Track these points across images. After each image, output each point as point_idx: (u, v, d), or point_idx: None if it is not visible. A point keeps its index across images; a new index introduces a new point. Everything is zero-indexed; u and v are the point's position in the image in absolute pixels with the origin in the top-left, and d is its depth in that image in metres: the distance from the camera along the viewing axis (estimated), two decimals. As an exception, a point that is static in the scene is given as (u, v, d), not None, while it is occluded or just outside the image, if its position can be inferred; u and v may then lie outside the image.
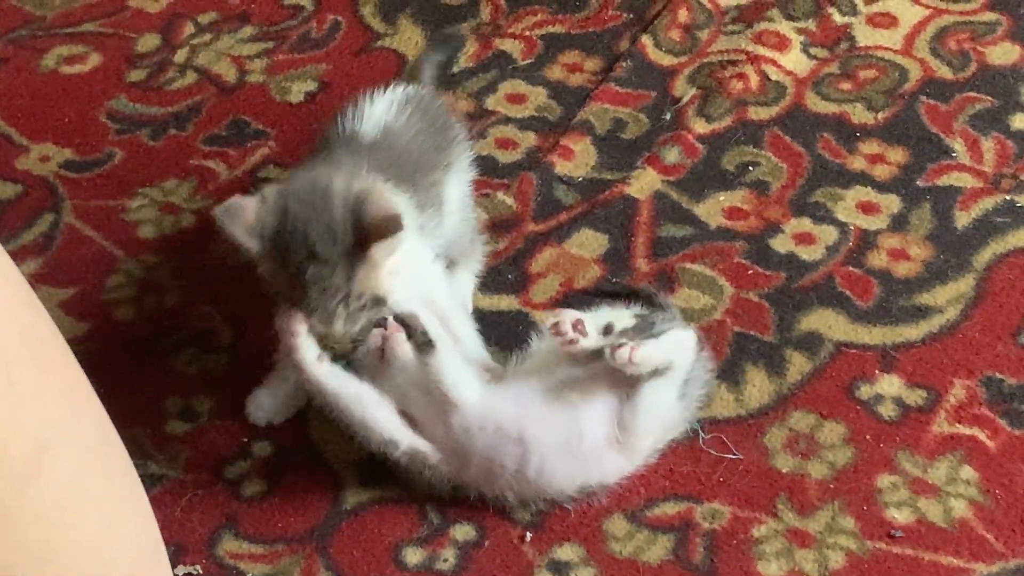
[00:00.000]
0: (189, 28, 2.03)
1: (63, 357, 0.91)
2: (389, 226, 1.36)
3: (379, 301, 1.41)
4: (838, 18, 1.96)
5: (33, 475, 0.84)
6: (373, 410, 1.44)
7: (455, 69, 1.94)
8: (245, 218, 1.38)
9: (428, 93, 1.64)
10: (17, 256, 1.70)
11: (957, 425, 1.51)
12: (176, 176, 1.82)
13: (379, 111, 1.55)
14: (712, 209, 1.74)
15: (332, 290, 1.37)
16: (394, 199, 1.42)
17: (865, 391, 1.55)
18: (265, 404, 1.54)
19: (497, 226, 1.71)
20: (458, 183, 1.61)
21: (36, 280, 1.68)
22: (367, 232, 1.36)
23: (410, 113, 1.56)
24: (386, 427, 1.44)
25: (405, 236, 1.38)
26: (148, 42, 2.01)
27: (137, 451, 1.51)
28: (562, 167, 1.80)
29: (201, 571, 1.44)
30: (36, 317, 0.89)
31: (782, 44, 1.93)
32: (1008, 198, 1.73)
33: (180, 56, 1.98)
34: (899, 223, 1.71)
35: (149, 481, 1.48)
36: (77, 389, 0.92)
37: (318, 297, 1.38)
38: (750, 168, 1.78)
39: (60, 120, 1.91)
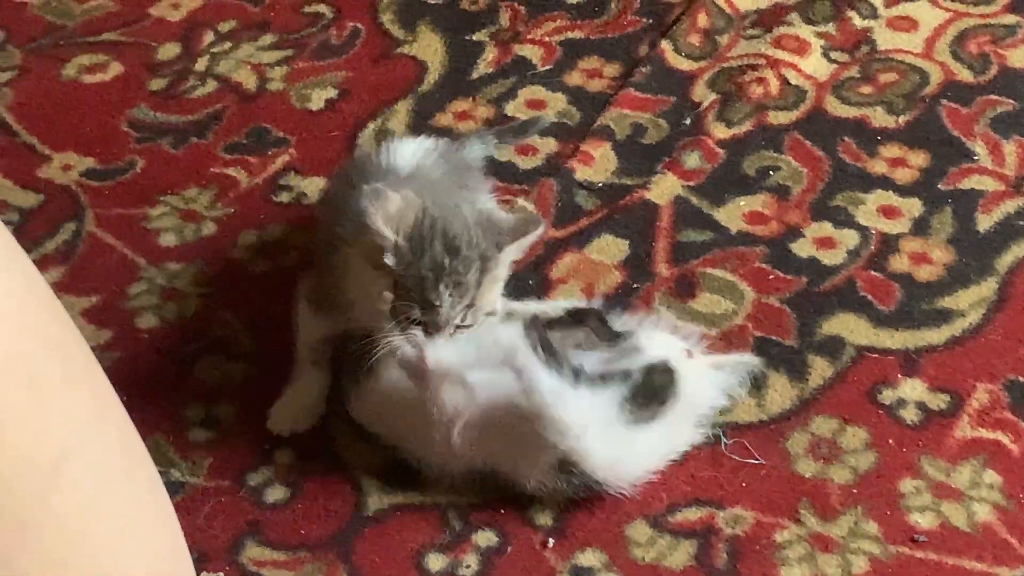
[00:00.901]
0: (209, 36, 2.03)
1: (87, 365, 0.91)
2: (530, 223, 1.45)
3: (479, 317, 1.46)
4: (858, 22, 1.96)
5: (57, 483, 0.84)
6: None
7: (475, 75, 1.94)
8: (395, 206, 1.42)
9: (446, 143, 1.67)
10: (39, 265, 1.70)
11: (980, 429, 1.51)
12: (197, 184, 1.82)
13: (409, 150, 1.61)
14: (732, 214, 1.74)
15: (463, 288, 1.41)
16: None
17: (887, 395, 1.54)
18: (287, 414, 1.55)
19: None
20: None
21: (58, 288, 1.69)
22: (507, 230, 1.44)
23: (436, 157, 1.61)
24: None
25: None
26: (168, 51, 2.02)
27: (159, 458, 1.51)
28: (582, 173, 1.80)
29: (224, 578, 1.44)
30: (60, 325, 0.89)
31: (802, 48, 1.93)
32: (1030, 201, 1.72)
33: (200, 64, 1.99)
34: (920, 227, 1.71)
35: (171, 488, 1.49)
36: (101, 397, 0.92)
37: (450, 293, 1.41)
38: (770, 172, 1.78)
39: (81, 129, 1.91)
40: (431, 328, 1.43)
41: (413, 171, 1.57)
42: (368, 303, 1.45)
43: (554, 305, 1.59)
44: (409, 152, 1.60)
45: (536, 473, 1.44)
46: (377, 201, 1.41)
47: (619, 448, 1.44)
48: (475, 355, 1.46)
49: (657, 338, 1.49)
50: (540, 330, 1.44)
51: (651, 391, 1.44)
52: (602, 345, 1.49)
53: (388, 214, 1.41)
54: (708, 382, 1.49)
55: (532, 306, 1.58)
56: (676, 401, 1.45)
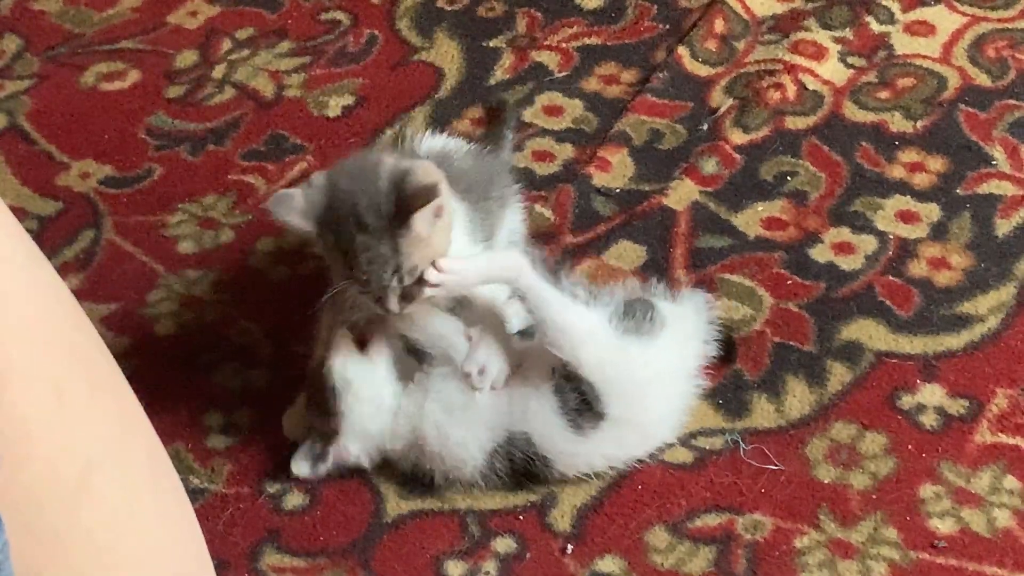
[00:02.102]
0: (227, 44, 2.04)
1: (112, 374, 0.91)
2: (426, 193, 1.38)
3: (429, 265, 1.42)
4: (875, 27, 1.96)
5: (83, 494, 0.84)
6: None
7: (491, 81, 1.94)
8: (295, 203, 1.42)
9: (477, 148, 1.67)
10: (58, 273, 1.71)
11: (999, 435, 1.51)
12: (215, 191, 1.83)
13: (439, 140, 1.61)
14: (751, 219, 1.74)
15: (381, 260, 1.39)
16: (440, 180, 1.43)
17: (906, 401, 1.54)
18: (302, 420, 1.55)
19: (535, 238, 1.71)
20: (508, 224, 1.63)
21: (77, 296, 1.67)
22: (406, 200, 1.39)
23: (466, 152, 1.61)
24: None
25: (447, 207, 1.41)
26: (186, 58, 2.02)
27: (179, 466, 1.51)
28: (600, 179, 1.80)
29: (243, 585, 1.44)
30: (85, 335, 0.90)
31: (819, 53, 1.92)
32: (1049, 206, 1.72)
33: (218, 72, 1.99)
34: (939, 232, 1.70)
35: (191, 496, 1.47)
36: (126, 406, 0.92)
37: (368, 267, 1.40)
38: (788, 178, 1.78)
39: (100, 137, 1.92)
40: (378, 300, 1.42)
41: (434, 152, 1.56)
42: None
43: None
44: (439, 140, 1.60)
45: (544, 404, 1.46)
46: (281, 204, 1.42)
47: (615, 357, 1.45)
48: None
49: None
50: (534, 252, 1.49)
51: (634, 313, 1.48)
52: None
53: (299, 208, 1.41)
54: (693, 317, 1.54)
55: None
56: (659, 324, 1.48)
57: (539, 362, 1.47)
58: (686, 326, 1.52)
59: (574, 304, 1.47)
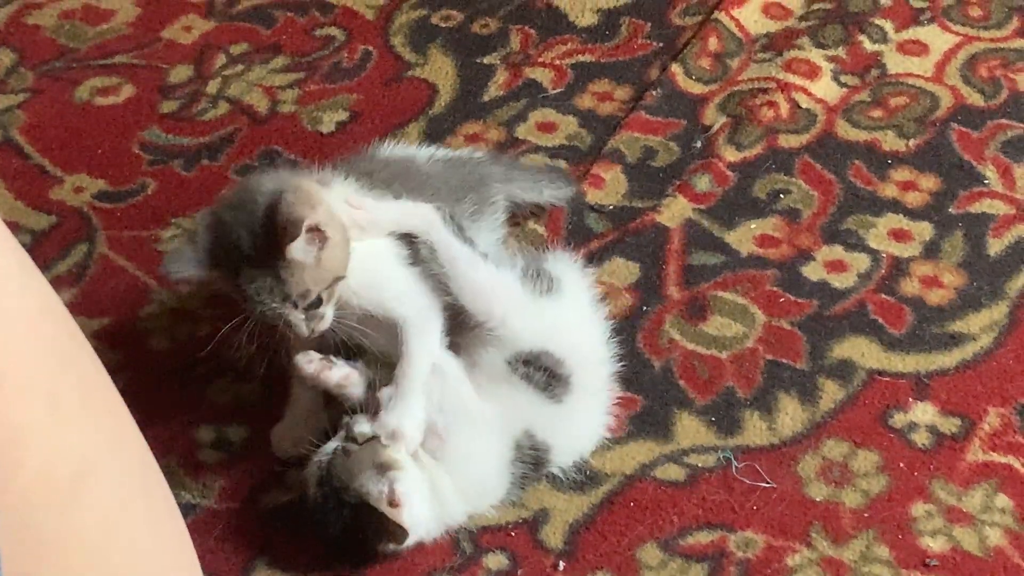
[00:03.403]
0: (221, 59, 2.04)
1: (104, 384, 0.91)
2: (293, 227, 1.35)
3: (330, 283, 1.40)
4: (868, 46, 1.96)
5: (75, 500, 0.84)
6: None
7: (485, 98, 1.94)
8: (185, 255, 1.40)
9: (459, 157, 1.66)
10: (51, 286, 1.70)
11: (991, 453, 1.51)
12: (209, 206, 1.82)
13: (401, 148, 1.59)
14: (743, 237, 1.74)
15: (267, 290, 1.37)
16: (318, 204, 1.39)
17: (899, 419, 1.54)
18: (289, 436, 1.54)
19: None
20: (482, 239, 1.60)
21: (70, 310, 1.68)
22: (276, 233, 1.36)
23: (435, 159, 1.60)
24: None
25: (333, 227, 1.38)
26: (180, 73, 2.02)
27: (170, 480, 1.48)
28: (593, 195, 1.80)
29: (235, 600, 1.44)
30: (77, 344, 0.90)
31: (812, 72, 1.93)
32: (1041, 225, 1.72)
33: (212, 87, 1.99)
34: (931, 250, 1.71)
35: (183, 511, 1.47)
36: (118, 415, 0.92)
37: (258, 299, 1.38)
38: (781, 196, 1.78)
39: (93, 151, 1.92)
40: (285, 328, 1.40)
41: (397, 157, 1.56)
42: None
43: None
44: (413, 148, 1.60)
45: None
46: (174, 261, 1.41)
47: (532, 316, 1.49)
48: None
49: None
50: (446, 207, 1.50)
51: (539, 271, 1.52)
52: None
53: (190, 258, 1.40)
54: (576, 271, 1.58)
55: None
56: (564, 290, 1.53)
57: (493, 362, 1.49)
58: (572, 275, 1.57)
59: (485, 261, 1.49)
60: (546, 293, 1.52)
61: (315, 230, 1.37)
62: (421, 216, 1.48)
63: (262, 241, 1.37)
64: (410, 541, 1.41)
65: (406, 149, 1.62)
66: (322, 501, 1.41)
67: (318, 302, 1.40)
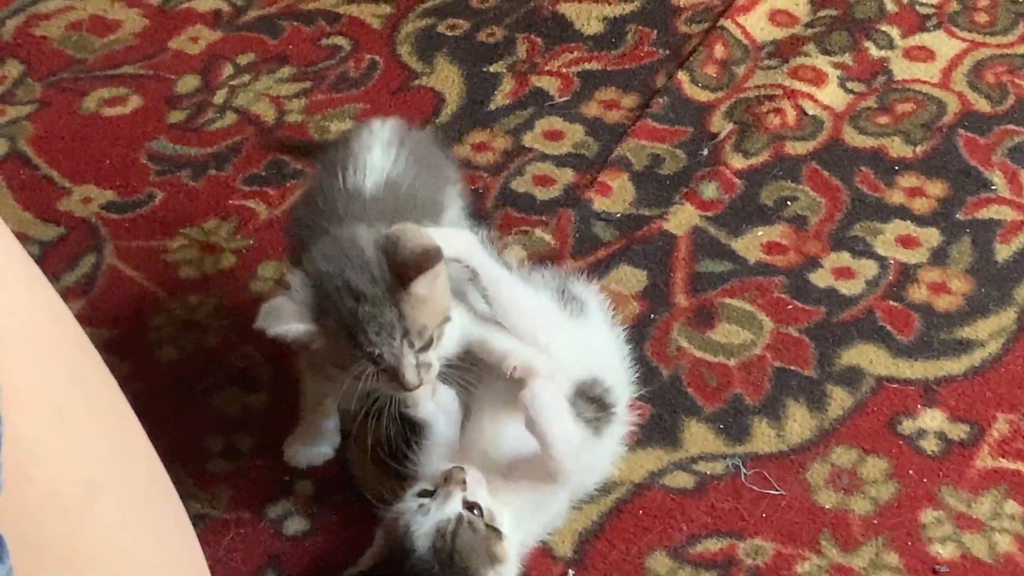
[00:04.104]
0: (228, 69, 2.04)
1: (113, 395, 0.91)
2: (429, 257, 1.33)
3: (438, 325, 1.37)
4: (875, 52, 1.97)
5: (84, 514, 0.84)
6: None
7: (492, 107, 1.95)
8: (286, 309, 1.36)
9: (416, 130, 1.63)
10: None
11: (1000, 459, 1.51)
12: (216, 216, 1.83)
13: (378, 162, 1.52)
14: (751, 244, 1.74)
15: (388, 327, 1.33)
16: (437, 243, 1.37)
17: (907, 426, 1.54)
18: (302, 448, 1.54)
19: (536, 263, 1.71)
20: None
21: (78, 321, 1.69)
22: (407, 266, 1.33)
23: (406, 156, 1.53)
24: None
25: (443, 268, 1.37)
26: (188, 83, 2.03)
27: (179, 490, 1.50)
28: (600, 203, 1.80)
29: (244, 610, 1.44)
30: (87, 357, 0.90)
31: (819, 79, 1.93)
32: (1049, 231, 1.72)
33: (219, 97, 2.00)
34: (939, 257, 1.71)
35: (191, 520, 1.48)
36: (127, 426, 0.92)
37: (377, 337, 1.33)
38: (788, 203, 1.78)
39: (101, 162, 1.92)
40: (391, 371, 1.34)
41: (381, 188, 1.50)
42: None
43: None
44: (379, 162, 1.51)
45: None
46: (274, 317, 1.35)
47: (572, 336, 1.47)
48: None
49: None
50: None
51: (565, 299, 1.50)
52: None
53: (293, 313, 1.35)
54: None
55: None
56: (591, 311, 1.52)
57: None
58: (592, 297, 1.55)
59: (523, 283, 1.48)
60: (577, 315, 1.50)
61: (437, 262, 1.34)
62: (462, 241, 1.45)
63: (381, 276, 1.34)
64: None
65: (378, 170, 1.52)
66: (437, 569, 1.37)
67: (429, 344, 1.36)
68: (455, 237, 1.45)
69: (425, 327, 1.34)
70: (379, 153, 1.52)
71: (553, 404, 1.38)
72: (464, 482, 1.38)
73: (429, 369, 1.36)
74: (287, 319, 1.35)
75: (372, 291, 1.33)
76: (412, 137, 1.57)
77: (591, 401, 1.44)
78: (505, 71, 2.00)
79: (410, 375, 1.34)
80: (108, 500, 0.86)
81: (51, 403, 0.84)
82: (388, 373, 1.34)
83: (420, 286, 1.33)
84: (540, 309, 1.47)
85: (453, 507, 1.37)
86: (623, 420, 1.50)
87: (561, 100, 1.95)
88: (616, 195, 1.81)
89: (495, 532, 1.37)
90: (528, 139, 1.90)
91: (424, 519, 1.37)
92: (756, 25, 2.01)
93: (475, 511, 1.37)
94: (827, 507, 1.48)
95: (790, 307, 1.67)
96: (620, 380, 1.51)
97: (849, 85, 1.92)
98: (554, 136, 1.90)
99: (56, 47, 2.10)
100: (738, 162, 1.83)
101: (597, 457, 1.47)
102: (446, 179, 1.58)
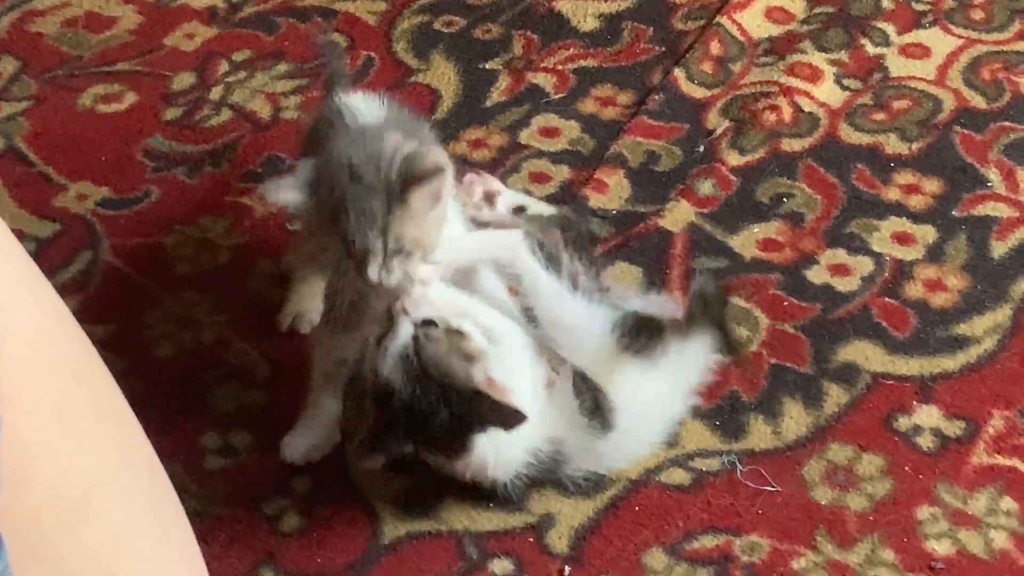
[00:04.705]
0: (224, 66, 2.04)
1: (113, 395, 0.91)
2: (432, 173, 1.38)
3: (417, 250, 1.40)
4: (871, 49, 1.97)
5: (85, 516, 0.84)
6: None
7: (488, 104, 1.95)
8: (287, 183, 1.43)
9: (388, 97, 1.63)
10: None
11: (996, 456, 1.51)
12: (212, 213, 1.83)
13: (373, 107, 1.56)
14: (746, 241, 1.74)
15: (370, 216, 1.37)
16: (449, 166, 1.42)
17: (903, 422, 1.54)
18: (301, 444, 1.55)
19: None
20: None
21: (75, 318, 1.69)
22: (410, 175, 1.38)
23: (388, 109, 1.56)
24: None
25: (446, 196, 1.40)
26: (183, 80, 2.02)
27: (175, 487, 1.50)
28: (596, 200, 1.80)
29: (241, 607, 1.44)
30: (87, 357, 0.90)
31: (815, 76, 1.93)
32: (1044, 227, 1.73)
33: (215, 94, 2.00)
34: (935, 254, 1.71)
35: (188, 517, 1.48)
36: (127, 427, 0.92)
37: (356, 222, 1.38)
38: (784, 200, 1.78)
39: (97, 159, 1.92)
40: (357, 259, 1.39)
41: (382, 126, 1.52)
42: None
43: (544, 207, 1.58)
44: (373, 107, 1.56)
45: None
46: (273, 187, 1.44)
47: (605, 366, 1.44)
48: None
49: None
50: (539, 234, 1.45)
51: (641, 329, 1.45)
52: (574, 255, 1.48)
53: (290, 184, 1.43)
54: (695, 352, 1.50)
55: (522, 199, 1.57)
56: (661, 354, 1.46)
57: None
58: (686, 361, 1.50)
59: (572, 297, 1.45)
60: (638, 355, 1.45)
61: (439, 180, 1.38)
62: (506, 245, 1.45)
63: (386, 173, 1.38)
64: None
65: (375, 112, 1.57)
66: (420, 391, 1.36)
67: (399, 250, 1.39)
68: (500, 239, 1.46)
69: (402, 236, 1.38)
70: (369, 102, 1.57)
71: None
72: (405, 309, 1.38)
73: (391, 274, 1.39)
74: (285, 189, 1.42)
75: (371, 180, 1.38)
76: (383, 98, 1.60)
77: (589, 392, 1.44)
78: (501, 68, 2.00)
79: (373, 268, 1.38)
80: (108, 502, 0.86)
81: (52, 404, 0.84)
82: (354, 260, 1.39)
83: (416, 199, 1.37)
84: (587, 328, 1.44)
85: (405, 332, 1.37)
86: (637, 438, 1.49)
87: (557, 97, 1.96)
88: (612, 192, 1.81)
89: (456, 333, 1.37)
90: (524, 136, 1.90)
91: (386, 357, 1.37)
92: (752, 22, 2.01)
93: (431, 326, 1.37)
94: (823, 503, 1.48)
95: (786, 304, 1.67)
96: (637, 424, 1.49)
97: (845, 82, 1.93)
98: (550, 133, 1.90)
99: (52, 44, 2.10)
100: (734, 159, 1.83)
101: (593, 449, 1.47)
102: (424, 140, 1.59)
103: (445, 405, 1.37)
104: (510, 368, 1.40)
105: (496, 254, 1.45)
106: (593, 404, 1.44)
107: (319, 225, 1.45)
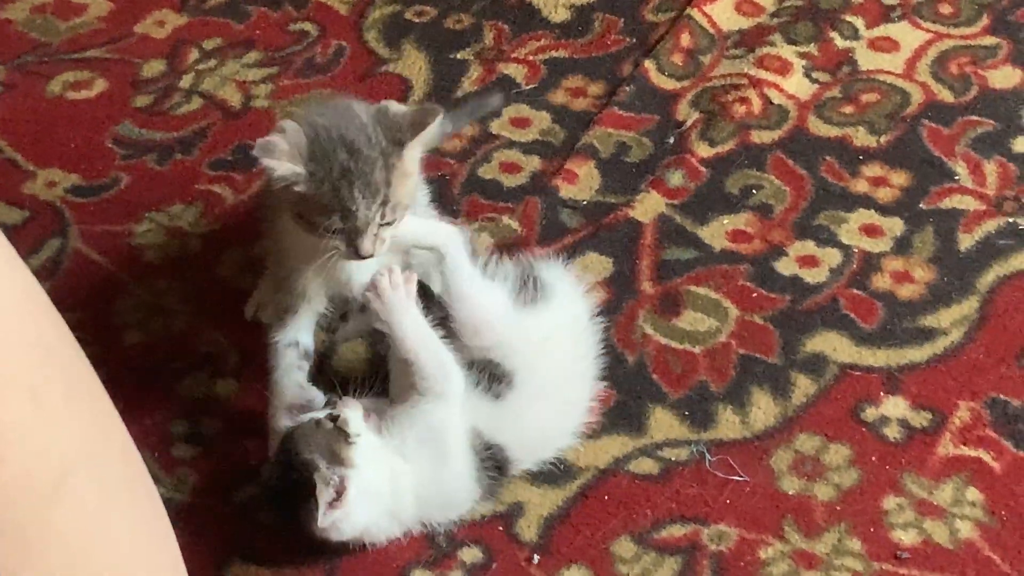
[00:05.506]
0: (194, 53, 2.04)
1: (88, 378, 0.91)
2: (425, 114, 1.43)
3: (401, 217, 1.45)
4: (840, 42, 1.98)
5: (58, 499, 0.84)
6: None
7: (459, 94, 1.95)
8: (282, 148, 1.42)
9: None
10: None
11: (962, 447, 1.52)
12: (182, 201, 1.83)
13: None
14: (716, 232, 1.75)
15: (373, 189, 1.41)
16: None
17: (870, 413, 1.55)
18: (268, 300, 1.62)
19: (503, 250, 1.72)
20: None
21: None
22: (404, 125, 1.43)
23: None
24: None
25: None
26: (153, 67, 2.02)
27: (145, 475, 1.51)
28: (567, 191, 1.80)
29: (209, 595, 1.44)
30: (61, 338, 0.90)
31: (784, 68, 1.94)
32: (1010, 220, 1.74)
33: (185, 81, 1.99)
34: (902, 246, 1.72)
35: (157, 505, 1.49)
36: (102, 410, 0.92)
37: (360, 195, 1.40)
38: (753, 191, 1.79)
39: (66, 145, 1.91)
40: (353, 233, 1.42)
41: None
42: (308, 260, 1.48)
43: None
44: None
45: None
46: (268, 150, 1.42)
47: (515, 335, 1.50)
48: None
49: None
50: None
51: (524, 285, 1.54)
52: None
53: (286, 151, 1.42)
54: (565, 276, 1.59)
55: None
56: (544, 290, 1.54)
57: None
58: (566, 286, 1.57)
59: (489, 287, 1.52)
60: (531, 304, 1.53)
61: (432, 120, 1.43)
62: (445, 235, 1.52)
63: (376, 139, 1.42)
64: (347, 535, 1.41)
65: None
66: (279, 460, 1.42)
67: (391, 223, 1.44)
68: (440, 228, 1.53)
69: (399, 204, 1.43)
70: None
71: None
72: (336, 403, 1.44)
73: (383, 243, 1.44)
74: (281, 156, 1.42)
75: (367, 151, 1.41)
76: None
77: (482, 371, 1.48)
78: (472, 58, 2.00)
79: (367, 241, 1.43)
80: (82, 484, 0.86)
81: (25, 386, 0.84)
82: (348, 234, 1.42)
83: (414, 149, 1.43)
84: (494, 315, 1.51)
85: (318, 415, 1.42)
86: (545, 400, 1.51)
87: (528, 87, 1.96)
88: (583, 182, 1.82)
89: (343, 433, 1.39)
90: (495, 126, 1.90)
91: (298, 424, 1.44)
92: (723, 14, 2.02)
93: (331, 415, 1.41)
94: (790, 493, 1.49)
95: (755, 295, 1.68)
96: (544, 364, 1.52)
97: (814, 75, 1.93)
98: (521, 123, 1.90)
99: (21, 30, 2.09)
100: (704, 150, 1.84)
101: (512, 422, 1.49)
102: None
103: (283, 479, 1.41)
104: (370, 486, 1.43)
105: (432, 239, 1.51)
106: (488, 377, 1.48)
107: (310, 191, 1.43)
